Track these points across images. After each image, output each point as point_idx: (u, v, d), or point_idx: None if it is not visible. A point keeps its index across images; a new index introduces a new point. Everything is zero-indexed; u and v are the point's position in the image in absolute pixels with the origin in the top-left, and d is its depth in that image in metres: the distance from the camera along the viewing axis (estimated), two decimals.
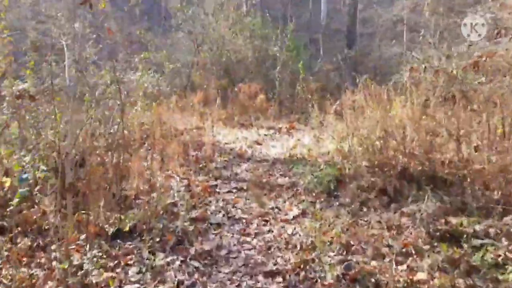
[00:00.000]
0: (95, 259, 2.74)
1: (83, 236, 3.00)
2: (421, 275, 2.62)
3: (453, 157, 3.83)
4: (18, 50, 4.79)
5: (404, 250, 2.92)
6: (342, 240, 3.10)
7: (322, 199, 3.99)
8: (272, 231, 3.45)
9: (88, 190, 3.31)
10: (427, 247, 2.93)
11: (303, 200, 4.01)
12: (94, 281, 2.54)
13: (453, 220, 3.19)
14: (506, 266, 2.59)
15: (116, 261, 2.83)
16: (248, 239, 3.33)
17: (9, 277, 2.54)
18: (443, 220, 3.21)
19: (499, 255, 2.68)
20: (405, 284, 2.55)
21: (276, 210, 3.88)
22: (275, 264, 2.91)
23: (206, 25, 10.47)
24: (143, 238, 3.11)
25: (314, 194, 4.11)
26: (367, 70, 10.55)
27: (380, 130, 4.20)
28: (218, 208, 3.88)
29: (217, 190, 4.38)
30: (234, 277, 2.78)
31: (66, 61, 3.37)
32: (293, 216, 3.70)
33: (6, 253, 2.74)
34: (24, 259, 2.79)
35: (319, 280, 2.68)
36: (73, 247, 2.86)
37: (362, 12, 15.07)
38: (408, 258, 2.83)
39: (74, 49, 3.52)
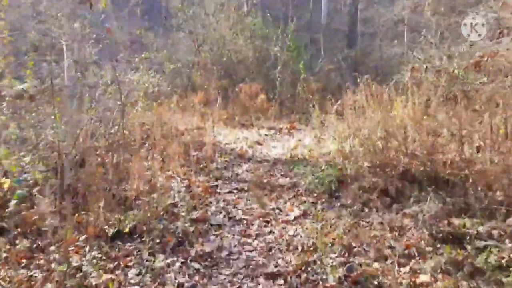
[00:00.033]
0: (94, 260, 2.73)
1: (82, 237, 2.99)
2: (424, 277, 2.60)
3: (455, 157, 3.79)
4: (18, 50, 4.77)
5: (406, 251, 2.90)
6: (343, 242, 3.07)
7: (324, 200, 3.97)
8: (273, 232, 3.43)
9: (87, 191, 3.30)
10: (429, 248, 2.91)
11: (304, 201, 3.99)
12: (93, 283, 2.53)
13: (456, 222, 3.15)
14: (510, 269, 2.56)
15: (115, 263, 2.81)
16: (249, 240, 3.31)
17: (8, 278, 2.53)
18: (445, 222, 3.18)
19: (503, 257, 2.64)
20: (408, 287, 2.54)
21: (277, 211, 3.86)
22: (276, 266, 2.88)
23: (206, 25, 10.45)
24: (143, 239, 3.09)
25: (315, 195, 4.09)
26: (368, 70, 10.48)
27: (381, 130, 4.17)
28: (218, 209, 3.86)
29: (218, 190, 4.36)
30: (234, 279, 2.76)
31: (66, 61, 3.35)
32: (294, 217, 3.68)
33: (5, 255, 2.72)
34: (23, 260, 2.77)
35: (320, 282, 2.65)
36: (73, 248, 2.85)
37: (363, 12, 15.01)
38: (410, 260, 2.81)
39: (74, 49, 3.51)
